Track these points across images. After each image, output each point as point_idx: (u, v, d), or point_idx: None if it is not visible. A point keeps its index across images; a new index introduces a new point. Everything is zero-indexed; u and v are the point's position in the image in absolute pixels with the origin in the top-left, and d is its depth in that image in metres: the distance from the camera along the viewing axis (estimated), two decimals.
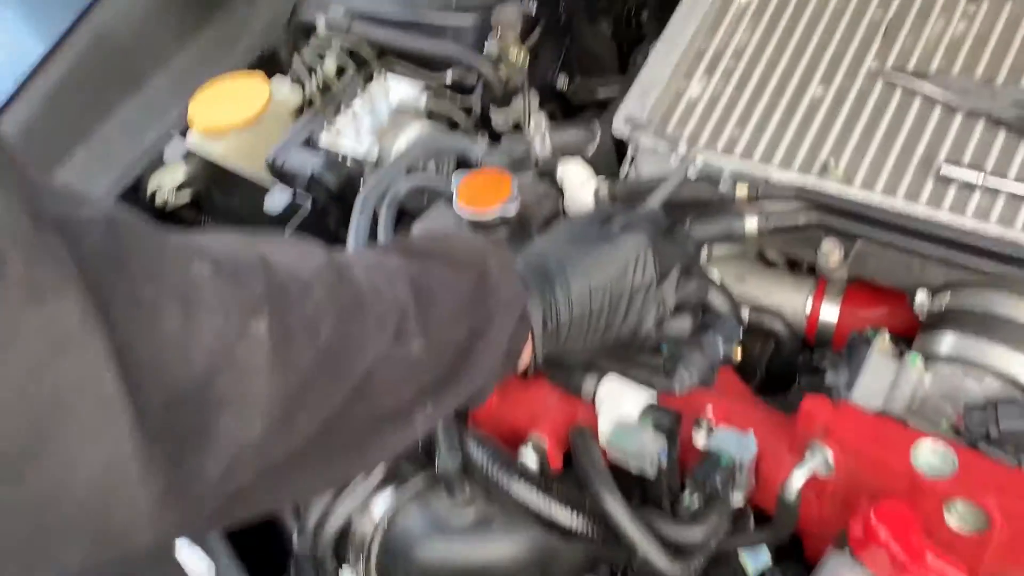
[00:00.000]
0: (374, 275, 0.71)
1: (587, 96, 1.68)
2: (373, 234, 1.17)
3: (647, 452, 0.88)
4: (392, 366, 0.70)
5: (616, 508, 0.86)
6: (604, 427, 0.92)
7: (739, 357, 0.99)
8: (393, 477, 0.98)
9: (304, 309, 0.62)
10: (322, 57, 1.43)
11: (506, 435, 1.01)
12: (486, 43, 1.41)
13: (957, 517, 0.81)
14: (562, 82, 1.63)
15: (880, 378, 0.96)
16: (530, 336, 0.85)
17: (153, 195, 1.44)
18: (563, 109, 1.64)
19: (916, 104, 1.09)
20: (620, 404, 0.92)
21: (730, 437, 0.88)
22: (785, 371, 1.21)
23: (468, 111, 1.45)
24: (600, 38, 1.74)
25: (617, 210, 1.00)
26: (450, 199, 1.10)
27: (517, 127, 1.46)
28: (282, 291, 0.61)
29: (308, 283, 0.64)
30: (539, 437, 0.96)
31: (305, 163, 1.31)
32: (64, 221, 0.48)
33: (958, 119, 1.06)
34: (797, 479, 0.85)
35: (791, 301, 1.19)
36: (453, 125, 1.45)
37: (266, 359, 0.57)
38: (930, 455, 0.83)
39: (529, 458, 0.95)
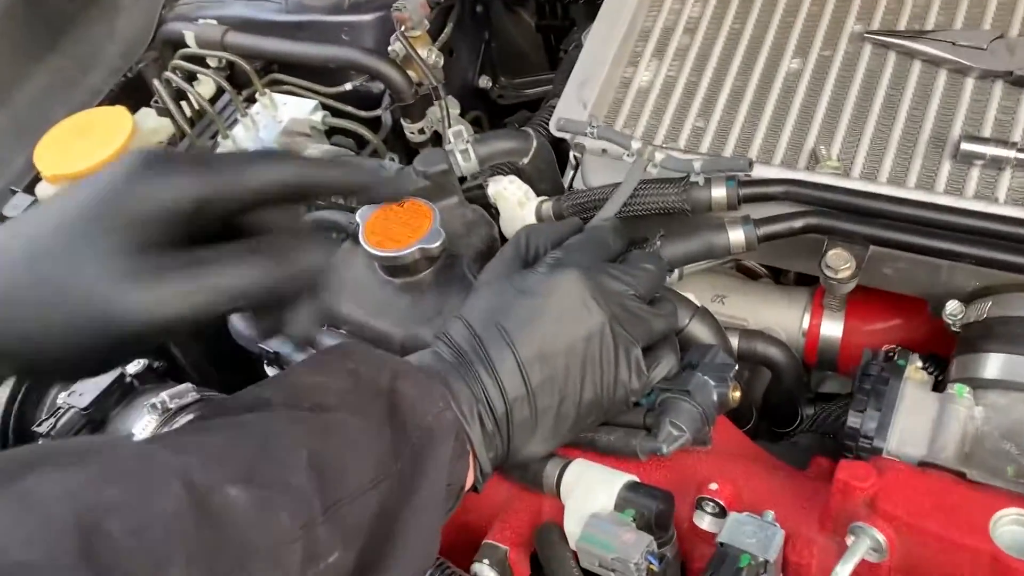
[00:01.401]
0: (256, 478, 0.50)
1: (515, 97, 1.47)
2: None
3: (629, 555, 0.66)
4: None
5: None
6: (572, 526, 0.70)
7: (737, 400, 0.78)
8: None
9: None
10: (194, 79, 1.19)
11: (460, 544, 0.79)
12: (390, 44, 1.19)
13: None
14: (485, 83, 1.42)
15: (920, 418, 0.75)
16: (470, 448, 0.64)
17: None
18: (489, 113, 1.43)
19: (916, 69, 0.89)
20: (591, 492, 0.70)
21: (747, 526, 0.67)
22: (786, 402, 1.01)
23: (376, 126, 1.22)
24: (524, 30, 1.52)
25: (541, 243, 0.79)
26: (357, 237, 0.87)
27: (437, 138, 1.24)
28: None
29: (158, 556, 0.43)
30: (495, 545, 0.73)
31: None
32: None
33: (970, 83, 0.86)
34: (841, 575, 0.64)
35: (784, 319, 0.99)
36: (361, 144, 1.22)
37: None
38: (1015, 526, 0.63)
39: (487, 574, 0.72)
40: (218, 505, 0.48)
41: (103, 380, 0.97)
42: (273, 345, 0.85)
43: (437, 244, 0.85)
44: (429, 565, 0.64)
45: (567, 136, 0.96)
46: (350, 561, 0.54)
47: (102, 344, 0.47)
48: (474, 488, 0.70)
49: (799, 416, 1.01)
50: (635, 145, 0.89)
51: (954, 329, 0.83)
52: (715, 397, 0.76)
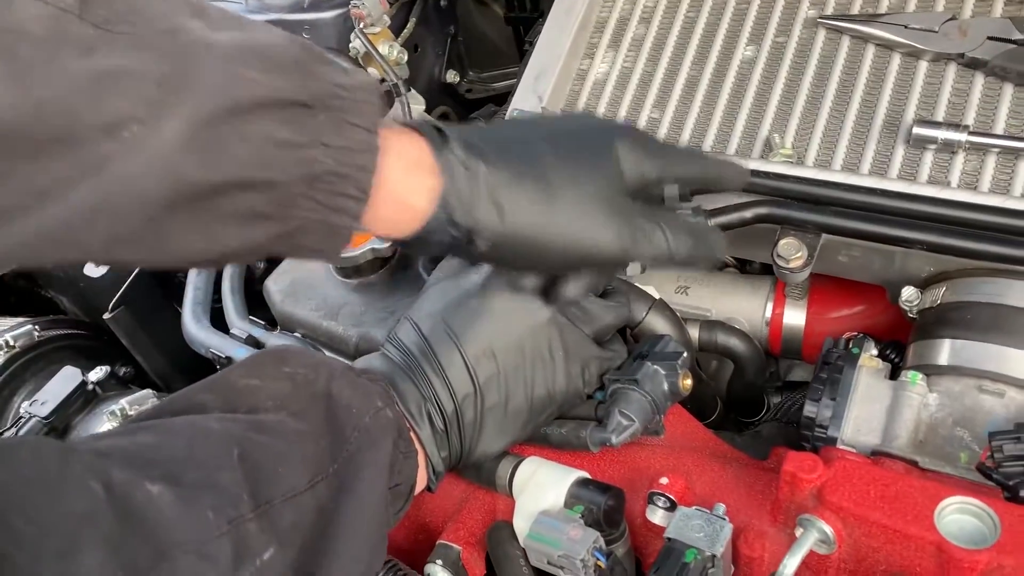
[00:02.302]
0: (182, 478, 0.50)
1: (484, 90, 1.46)
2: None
3: (575, 551, 0.65)
4: None
5: None
6: (521, 523, 0.69)
7: (688, 388, 0.77)
8: None
9: None
10: None
11: (417, 545, 0.78)
12: (350, 41, 1.18)
13: None
14: (452, 77, 1.41)
15: (873, 406, 0.75)
16: (420, 447, 0.64)
17: None
18: (457, 108, 1.42)
19: (869, 54, 0.88)
20: (541, 490, 0.70)
21: (695, 520, 0.66)
22: (752, 394, 1.00)
23: None
24: (492, 22, 1.51)
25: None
26: None
27: None
28: None
29: (67, 545, 0.43)
30: (448, 545, 0.73)
31: None
32: None
33: (923, 67, 0.86)
34: (788, 568, 0.63)
35: (747, 308, 0.98)
36: None
37: None
38: (960, 515, 0.62)
39: (439, 575, 0.72)
40: (139, 502, 0.48)
41: (64, 388, 0.97)
42: (225, 348, 0.85)
43: (388, 245, 0.84)
44: (377, 565, 0.63)
45: None
46: (288, 561, 0.54)
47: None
48: (428, 488, 0.69)
49: (766, 405, 1.01)
50: None
51: (910, 316, 0.83)
52: (665, 386, 0.76)
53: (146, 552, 0.46)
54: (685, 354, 0.76)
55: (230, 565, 0.50)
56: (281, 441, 0.57)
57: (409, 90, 1.17)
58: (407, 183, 0.57)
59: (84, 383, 0.98)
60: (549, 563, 0.67)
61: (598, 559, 0.65)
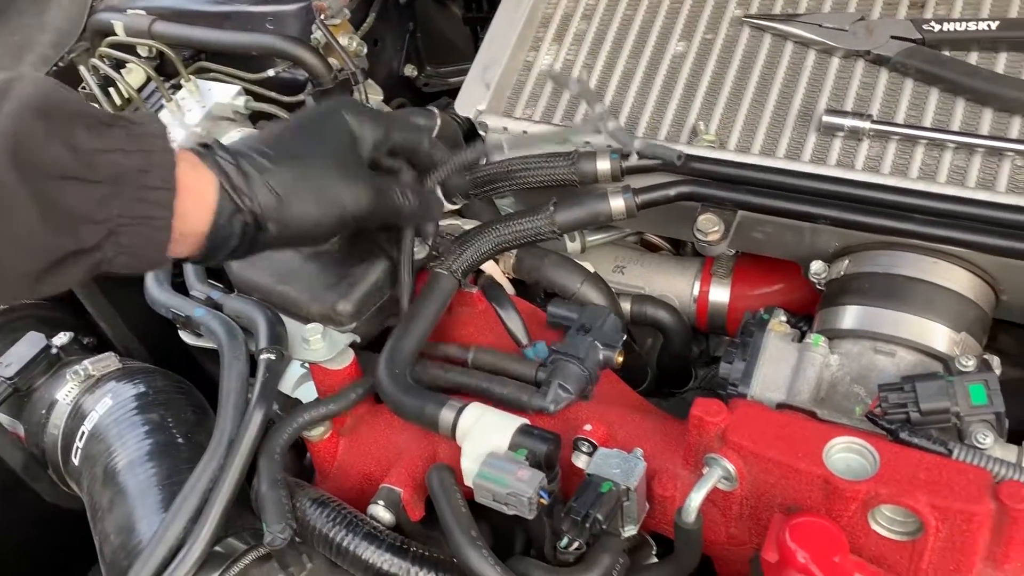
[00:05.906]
0: None
1: (440, 84, 1.53)
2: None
3: (523, 491, 0.71)
4: None
5: (481, 565, 0.70)
6: (468, 464, 0.75)
7: (620, 364, 0.84)
8: (220, 556, 0.79)
9: None
10: (122, 67, 1.23)
11: (359, 488, 0.84)
12: (312, 32, 1.24)
13: (885, 523, 0.68)
14: (410, 71, 1.47)
15: (780, 366, 0.82)
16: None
17: None
18: (414, 100, 1.48)
19: (788, 50, 0.96)
20: (487, 434, 0.76)
21: (612, 458, 0.73)
22: (680, 365, 1.08)
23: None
24: (451, 21, 1.58)
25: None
26: None
27: None
28: None
29: None
30: (390, 488, 0.79)
31: None
32: None
33: (835, 62, 0.94)
34: (694, 501, 0.70)
35: (677, 286, 1.06)
36: None
37: None
38: (846, 453, 0.70)
39: (381, 515, 0.78)
40: None
41: (29, 351, 1.01)
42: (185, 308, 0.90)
43: None
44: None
45: (476, 120, 1.01)
46: None
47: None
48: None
49: (693, 376, 1.08)
50: (598, 108, 0.92)
51: (819, 287, 0.91)
52: (601, 359, 0.83)
53: None
54: (624, 337, 0.83)
55: None
56: None
57: (367, 79, 1.24)
58: (194, 176, 0.66)
59: (48, 347, 1.02)
60: (495, 500, 0.72)
61: (542, 497, 0.71)
